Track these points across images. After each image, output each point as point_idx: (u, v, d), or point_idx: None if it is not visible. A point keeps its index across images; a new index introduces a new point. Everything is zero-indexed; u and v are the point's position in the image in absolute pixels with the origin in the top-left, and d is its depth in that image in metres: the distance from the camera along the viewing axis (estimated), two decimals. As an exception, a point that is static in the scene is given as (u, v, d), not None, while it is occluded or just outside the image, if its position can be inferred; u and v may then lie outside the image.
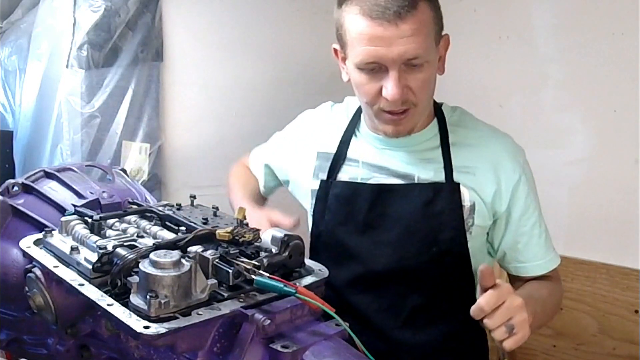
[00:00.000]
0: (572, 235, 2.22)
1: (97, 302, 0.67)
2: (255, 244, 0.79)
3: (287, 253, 0.77)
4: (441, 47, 1.15)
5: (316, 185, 1.26)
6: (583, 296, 2.20)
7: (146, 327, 0.62)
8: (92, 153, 1.86)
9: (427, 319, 1.20)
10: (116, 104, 1.89)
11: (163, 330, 0.62)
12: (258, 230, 0.80)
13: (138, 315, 0.64)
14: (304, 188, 1.30)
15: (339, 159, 1.24)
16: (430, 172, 1.18)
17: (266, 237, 0.79)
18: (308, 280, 0.78)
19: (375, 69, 1.08)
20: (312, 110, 1.39)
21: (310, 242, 1.26)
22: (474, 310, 0.95)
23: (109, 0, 1.82)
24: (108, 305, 0.67)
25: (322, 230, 1.24)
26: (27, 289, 0.79)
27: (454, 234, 1.17)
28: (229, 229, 0.78)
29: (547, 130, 2.20)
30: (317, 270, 0.81)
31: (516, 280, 1.26)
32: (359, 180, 1.22)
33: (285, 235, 0.77)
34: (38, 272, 0.77)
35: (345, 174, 1.24)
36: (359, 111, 1.28)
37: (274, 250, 0.77)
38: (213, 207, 0.91)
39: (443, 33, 1.15)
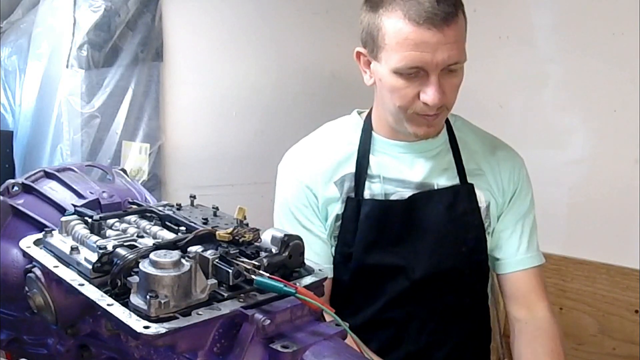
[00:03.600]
0: (572, 235, 2.22)
1: (97, 302, 0.67)
2: (255, 244, 0.78)
3: (287, 253, 0.77)
4: None
5: (340, 208, 1.22)
6: (583, 296, 2.20)
7: (146, 327, 0.62)
8: (92, 153, 1.86)
9: (455, 318, 1.24)
10: (116, 104, 1.89)
11: (163, 330, 0.62)
12: (258, 230, 0.80)
13: (138, 315, 0.64)
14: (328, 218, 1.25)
15: (361, 175, 1.22)
16: (447, 179, 1.22)
17: (266, 237, 0.79)
18: (308, 280, 0.78)
19: (413, 73, 1.09)
20: (292, 165, 1.29)
21: (334, 263, 1.23)
22: None
23: (109, 0, 1.81)
24: (108, 305, 0.66)
25: (353, 252, 1.21)
26: (27, 289, 0.79)
27: (477, 233, 1.23)
28: (229, 229, 0.78)
29: (547, 130, 2.21)
30: (317, 270, 0.81)
31: (502, 279, 1.29)
32: (382, 197, 1.21)
33: (285, 235, 0.77)
34: (38, 272, 0.77)
35: (369, 191, 1.22)
36: (366, 125, 1.25)
37: (274, 250, 0.77)
38: (213, 207, 0.90)
39: None
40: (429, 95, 1.08)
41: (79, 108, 1.83)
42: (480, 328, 1.32)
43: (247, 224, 0.82)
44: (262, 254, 0.76)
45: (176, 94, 2.07)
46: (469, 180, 1.22)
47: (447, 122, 1.26)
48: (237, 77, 2.20)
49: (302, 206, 1.25)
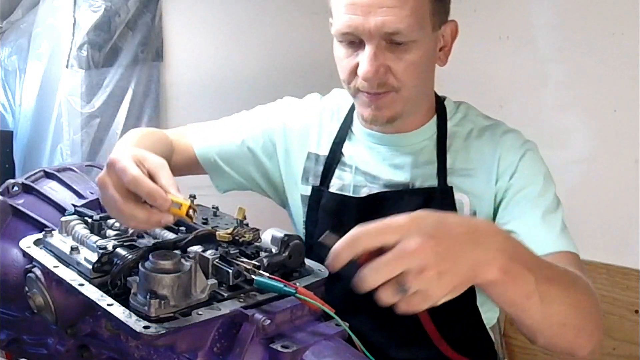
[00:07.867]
0: (572, 235, 2.22)
1: (97, 302, 0.67)
2: (255, 244, 0.79)
3: (287, 253, 0.77)
4: (445, 33, 1.05)
5: (307, 190, 1.14)
6: (583, 296, 2.20)
7: (146, 327, 0.62)
8: (92, 153, 1.86)
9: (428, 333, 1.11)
10: (116, 104, 1.89)
11: (163, 330, 0.62)
12: (258, 230, 0.80)
13: (138, 316, 0.64)
14: (292, 192, 1.17)
15: (332, 163, 1.13)
16: (425, 179, 1.08)
17: (266, 237, 0.79)
18: (308, 280, 0.78)
19: (353, 42, 0.98)
20: (297, 101, 1.23)
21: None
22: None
23: (109, 0, 1.82)
24: (108, 305, 0.67)
25: (314, 246, 1.10)
26: (27, 289, 0.79)
27: None
28: (229, 229, 0.78)
29: (547, 130, 2.20)
30: (317, 270, 0.81)
31: None
32: (351, 188, 1.12)
33: (285, 235, 0.77)
34: (38, 272, 0.77)
35: (339, 180, 1.13)
36: (352, 107, 1.15)
37: (274, 250, 0.77)
38: (213, 207, 0.91)
39: (450, 19, 1.05)
40: (361, 66, 0.96)
41: (79, 108, 1.83)
42: (474, 341, 1.13)
43: (247, 224, 0.82)
44: (262, 254, 0.76)
45: (176, 94, 2.07)
46: (452, 181, 1.06)
47: (443, 111, 1.11)
48: (237, 77, 2.20)
49: (268, 130, 1.19)
